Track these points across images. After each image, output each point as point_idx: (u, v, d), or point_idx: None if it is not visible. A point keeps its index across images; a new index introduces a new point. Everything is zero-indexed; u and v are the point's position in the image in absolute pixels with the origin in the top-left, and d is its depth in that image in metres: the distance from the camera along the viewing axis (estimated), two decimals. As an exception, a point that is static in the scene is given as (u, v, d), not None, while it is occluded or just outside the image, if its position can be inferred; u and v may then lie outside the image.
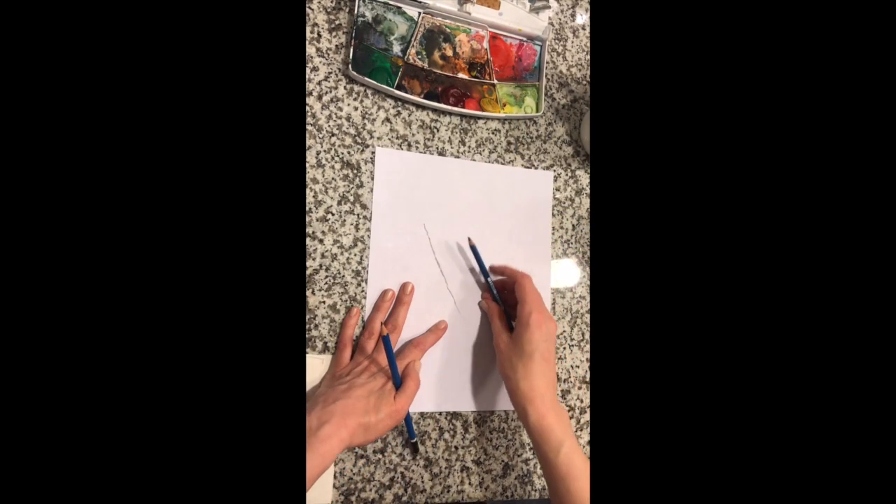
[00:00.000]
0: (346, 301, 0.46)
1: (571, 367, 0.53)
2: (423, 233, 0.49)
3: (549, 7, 0.54)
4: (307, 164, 0.46)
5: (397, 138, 0.49)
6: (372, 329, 0.45)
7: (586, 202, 0.55)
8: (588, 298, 0.54)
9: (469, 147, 0.51)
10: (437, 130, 0.51)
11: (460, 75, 0.51)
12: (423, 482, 0.46)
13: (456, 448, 0.48)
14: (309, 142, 0.46)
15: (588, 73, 0.58)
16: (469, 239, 0.48)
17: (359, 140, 0.48)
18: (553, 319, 0.44)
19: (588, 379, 0.53)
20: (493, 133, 0.53)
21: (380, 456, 0.45)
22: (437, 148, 0.50)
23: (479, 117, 0.52)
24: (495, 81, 0.52)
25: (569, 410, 0.52)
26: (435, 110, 0.50)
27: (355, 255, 0.46)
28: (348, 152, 0.47)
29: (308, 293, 0.45)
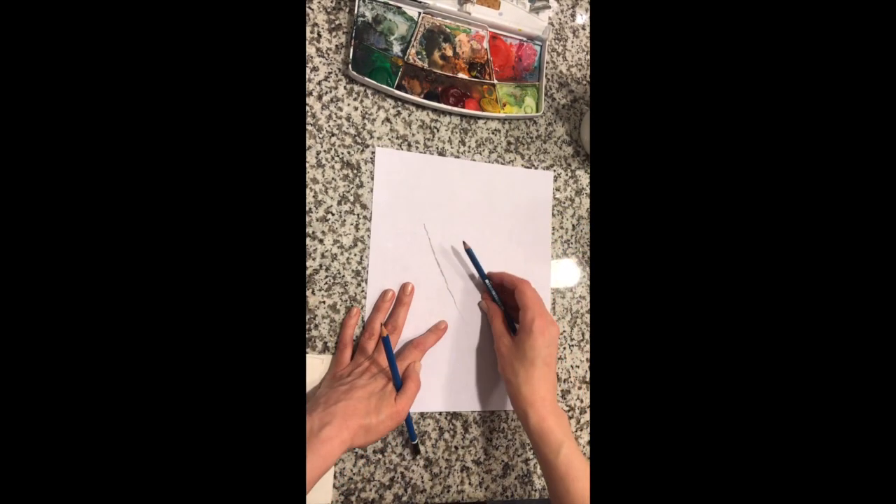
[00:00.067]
0: (346, 301, 0.46)
1: (571, 367, 0.53)
2: (423, 233, 0.49)
3: (549, 7, 0.54)
4: (307, 164, 0.46)
5: (397, 138, 0.49)
6: (372, 330, 0.45)
7: (586, 202, 0.55)
8: (588, 298, 0.54)
9: (469, 147, 0.51)
10: (437, 130, 0.51)
11: (460, 75, 0.51)
12: (423, 482, 0.46)
13: (456, 448, 0.48)
14: (309, 142, 0.46)
15: (588, 73, 0.58)
16: (464, 243, 0.48)
17: (359, 140, 0.48)
18: (555, 323, 0.44)
19: (588, 379, 0.53)
20: (493, 133, 0.53)
21: (380, 456, 0.45)
22: (437, 148, 0.50)
23: (479, 117, 0.52)
24: (495, 81, 0.52)
25: (569, 411, 0.52)
26: (435, 110, 0.50)
27: (355, 255, 0.46)
28: (348, 152, 0.47)
29: (308, 293, 0.45)
